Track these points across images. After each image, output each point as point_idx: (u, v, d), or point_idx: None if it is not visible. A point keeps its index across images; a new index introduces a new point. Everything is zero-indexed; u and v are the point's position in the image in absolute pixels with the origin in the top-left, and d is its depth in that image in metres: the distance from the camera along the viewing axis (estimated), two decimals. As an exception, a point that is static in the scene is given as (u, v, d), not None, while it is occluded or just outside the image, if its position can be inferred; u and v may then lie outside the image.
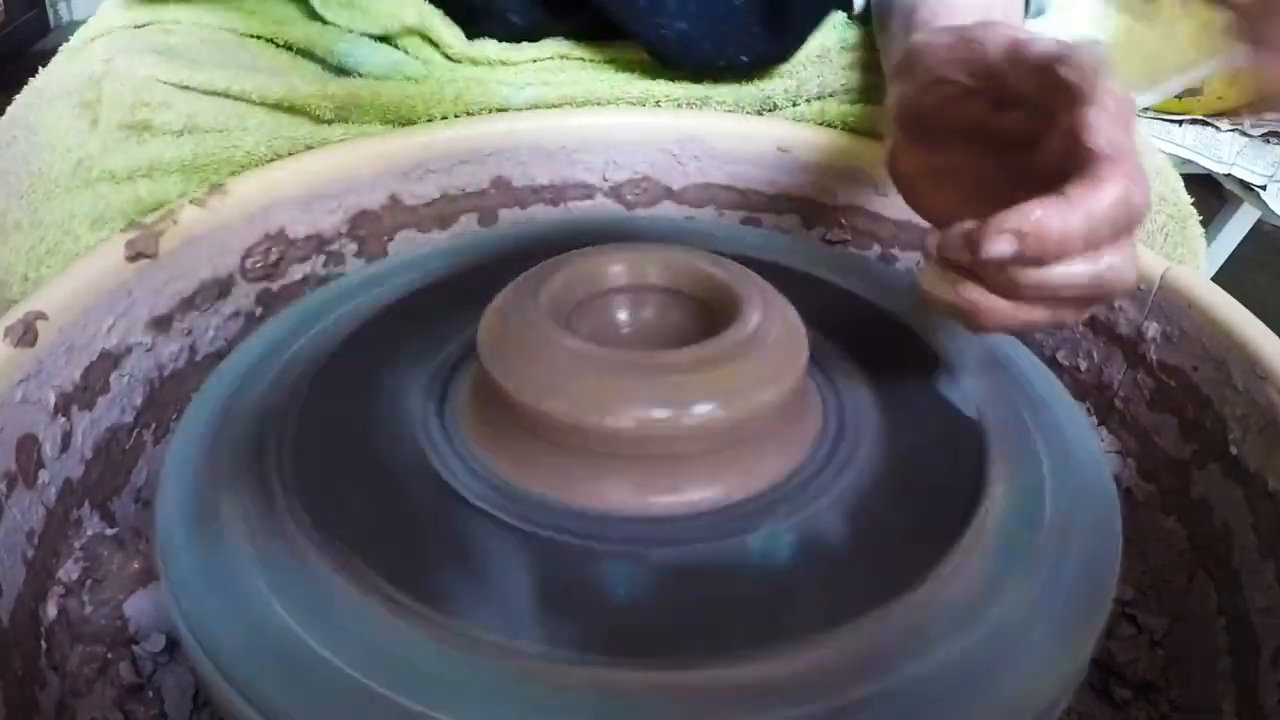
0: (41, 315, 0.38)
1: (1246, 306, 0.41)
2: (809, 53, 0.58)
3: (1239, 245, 1.56)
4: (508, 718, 0.27)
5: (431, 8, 0.56)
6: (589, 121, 0.56)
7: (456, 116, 0.55)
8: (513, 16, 0.57)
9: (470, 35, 0.57)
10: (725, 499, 0.34)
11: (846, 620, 0.30)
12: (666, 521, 0.33)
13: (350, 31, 0.55)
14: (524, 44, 0.57)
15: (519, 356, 0.34)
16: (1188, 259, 0.57)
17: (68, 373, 0.39)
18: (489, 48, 0.57)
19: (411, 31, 0.56)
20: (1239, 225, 1.54)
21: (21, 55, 0.51)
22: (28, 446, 0.36)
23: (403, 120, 0.55)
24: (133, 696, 0.37)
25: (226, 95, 0.50)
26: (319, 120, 0.53)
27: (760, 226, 0.58)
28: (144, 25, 0.53)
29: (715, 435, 0.33)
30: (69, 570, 0.38)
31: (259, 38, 0.55)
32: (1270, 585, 0.36)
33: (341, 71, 0.55)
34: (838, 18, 0.60)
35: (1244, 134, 1.45)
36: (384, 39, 0.56)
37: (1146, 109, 1.45)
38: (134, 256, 0.43)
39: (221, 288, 0.48)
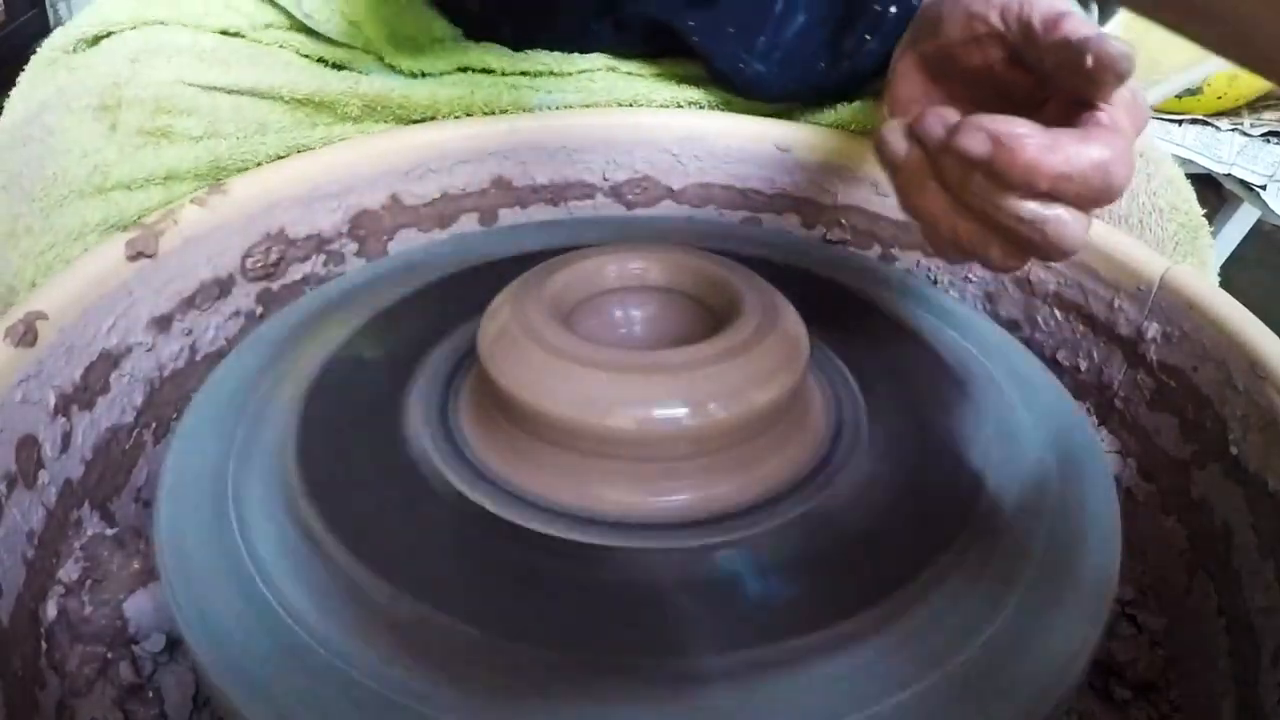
0: (41, 315, 0.38)
1: (1246, 306, 0.41)
2: None
3: (1239, 245, 1.56)
4: (508, 718, 0.27)
5: (484, 46, 0.56)
6: (589, 121, 0.56)
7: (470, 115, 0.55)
8: (568, 28, 0.57)
9: (520, 45, 0.57)
10: (726, 499, 0.34)
11: (847, 619, 0.30)
12: (666, 521, 0.33)
13: (415, 75, 0.54)
14: (575, 55, 0.57)
15: (519, 356, 0.34)
16: (1198, 269, 0.57)
17: (68, 373, 0.39)
18: (541, 58, 0.56)
19: (466, 69, 0.56)
20: (1239, 225, 1.54)
21: (21, 55, 0.51)
22: (28, 447, 0.36)
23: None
24: (133, 696, 0.37)
25: (254, 94, 0.50)
26: (345, 118, 0.53)
27: (760, 226, 0.58)
28: (178, 24, 0.52)
29: (715, 435, 0.33)
30: (69, 570, 0.38)
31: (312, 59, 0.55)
32: (1270, 585, 0.36)
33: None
34: None
35: (1244, 134, 1.45)
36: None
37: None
38: (134, 256, 0.43)
39: (222, 287, 0.48)
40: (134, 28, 0.51)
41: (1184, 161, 1.46)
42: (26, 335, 0.37)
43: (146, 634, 0.38)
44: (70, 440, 0.39)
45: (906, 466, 0.36)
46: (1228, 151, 1.46)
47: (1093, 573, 0.33)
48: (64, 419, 0.39)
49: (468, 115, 0.55)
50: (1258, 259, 1.63)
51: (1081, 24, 0.35)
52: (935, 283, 0.54)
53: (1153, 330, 0.45)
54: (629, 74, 0.58)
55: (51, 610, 0.37)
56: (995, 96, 0.40)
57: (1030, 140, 0.31)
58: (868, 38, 0.53)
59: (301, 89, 0.51)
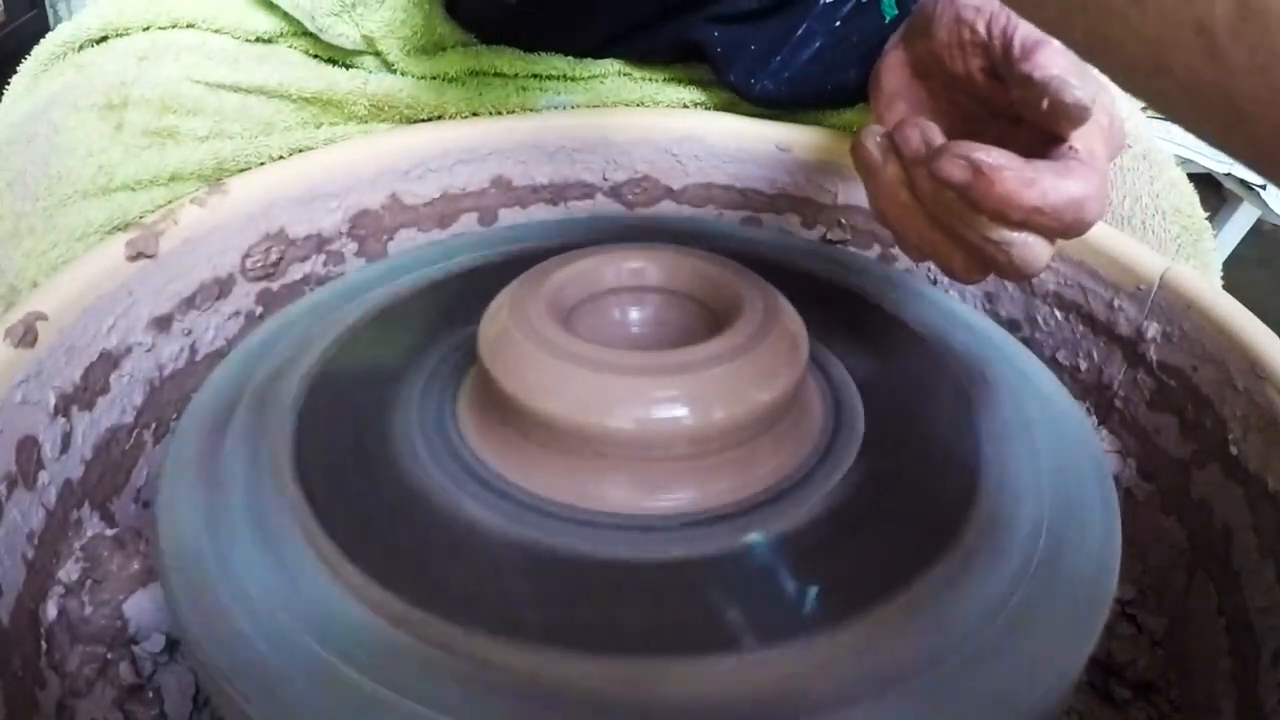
0: (41, 315, 0.38)
1: (1246, 306, 0.41)
2: None
3: (1239, 245, 1.56)
4: (507, 718, 0.27)
5: (495, 50, 0.55)
6: (589, 121, 0.56)
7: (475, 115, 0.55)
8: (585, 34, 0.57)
9: (532, 48, 0.57)
10: (726, 499, 0.34)
11: (846, 619, 0.30)
12: (666, 521, 0.33)
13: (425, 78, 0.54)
14: (587, 60, 0.57)
15: (519, 356, 0.34)
16: (1200, 272, 0.57)
17: (68, 373, 0.39)
18: (554, 62, 0.56)
19: (477, 72, 0.56)
20: (1239, 225, 1.55)
21: (21, 55, 0.50)
22: (28, 447, 0.36)
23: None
24: (133, 696, 0.37)
25: (261, 92, 0.50)
26: (352, 117, 0.53)
27: (760, 226, 0.58)
28: (189, 26, 0.52)
29: (715, 436, 0.33)
30: (69, 570, 0.38)
31: (319, 58, 0.55)
32: (1270, 585, 0.36)
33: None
34: None
35: (1244, 133, 1.44)
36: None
37: (1147, 108, 1.45)
38: (134, 256, 0.43)
39: (222, 287, 0.48)
40: (145, 29, 0.51)
41: (1184, 161, 1.46)
42: (26, 336, 0.37)
43: (146, 634, 0.38)
44: (70, 440, 0.39)
45: (906, 466, 0.36)
46: (1228, 151, 1.45)
47: (1093, 573, 0.33)
48: (64, 419, 0.39)
49: (474, 116, 0.55)
50: (1258, 259, 1.63)
51: (1054, 58, 0.35)
52: (935, 282, 0.54)
53: (1153, 330, 0.45)
54: (640, 78, 0.58)
55: (51, 610, 0.37)
56: (976, 104, 0.41)
57: (1009, 173, 0.32)
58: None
59: (309, 87, 0.51)
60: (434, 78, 0.54)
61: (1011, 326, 0.51)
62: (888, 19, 0.50)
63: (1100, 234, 0.47)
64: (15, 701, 0.32)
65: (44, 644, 0.36)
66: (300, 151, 0.51)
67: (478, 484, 0.34)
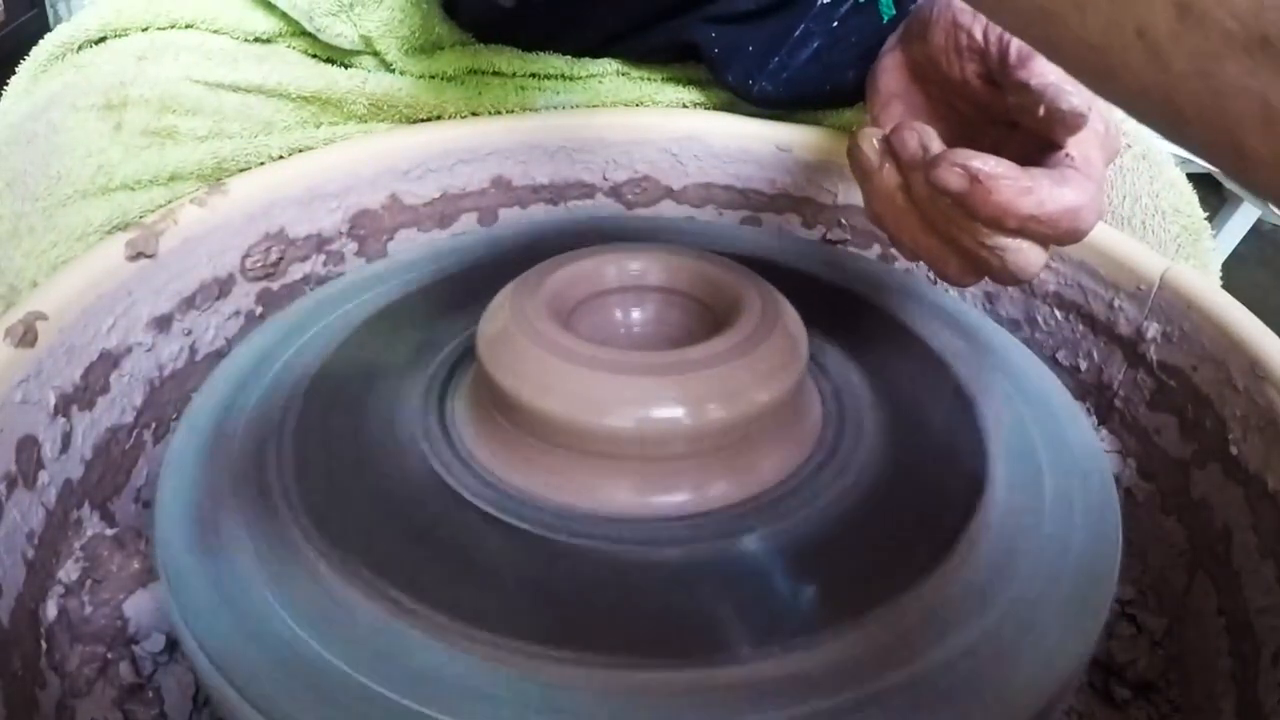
0: (41, 315, 0.38)
1: (1246, 306, 0.41)
2: None
3: (1239, 245, 1.56)
4: (508, 718, 0.27)
5: (494, 49, 0.55)
6: (589, 121, 0.56)
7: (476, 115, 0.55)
8: (586, 34, 0.57)
9: (530, 48, 0.57)
10: (726, 499, 0.34)
11: (846, 620, 0.30)
12: (667, 521, 0.33)
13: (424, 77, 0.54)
14: (586, 59, 0.57)
15: (519, 356, 0.34)
16: (1199, 272, 0.57)
17: (68, 373, 0.39)
18: (552, 62, 0.56)
19: (476, 71, 0.56)
20: (1239, 224, 1.55)
21: (21, 55, 0.50)
22: (28, 447, 0.36)
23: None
24: (133, 696, 0.37)
25: (260, 91, 0.50)
26: (351, 116, 0.53)
27: (760, 226, 0.58)
28: (188, 26, 0.52)
29: (715, 435, 0.33)
30: (69, 570, 0.38)
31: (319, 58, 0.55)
32: (1270, 585, 0.36)
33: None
34: None
35: (1244, 133, 1.44)
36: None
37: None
38: (134, 256, 0.43)
39: (221, 287, 0.47)
40: (144, 29, 0.51)
41: (1184, 161, 1.45)
42: (26, 335, 0.37)
43: (146, 634, 0.38)
44: (70, 440, 0.39)
45: (906, 466, 0.36)
46: (1228, 151, 1.45)
47: (1093, 573, 0.33)
48: (64, 419, 0.39)
49: (474, 116, 0.55)
50: (1258, 259, 1.64)
51: (1050, 65, 0.34)
52: (935, 283, 0.54)
53: (1153, 330, 0.45)
54: (638, 78, 0.58)
55: (51, 610, 0.37)
56: (972, 108, 0.41)
57: (1005, 182, 0.32)
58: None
59: (309, 86, 0.51)
60: (433, 77, 0.54)
61: (1012, 326, 0.51)
62: (885, 19, 0.50)
63: (1100, 234, 0.47)
64: (15, 701, 0.32)
65: (44, 644, 0.35)
66: (300, 151, 0.51)
67: (477, 483, 0.34)
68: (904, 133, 0.35)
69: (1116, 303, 0.46)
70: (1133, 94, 0.18)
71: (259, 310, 0.50)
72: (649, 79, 0.58)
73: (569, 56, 0.57)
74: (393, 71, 0.53)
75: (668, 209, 0.58)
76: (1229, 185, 1.49)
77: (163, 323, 0.45)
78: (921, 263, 0.54)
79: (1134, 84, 0.18)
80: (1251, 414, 0.39)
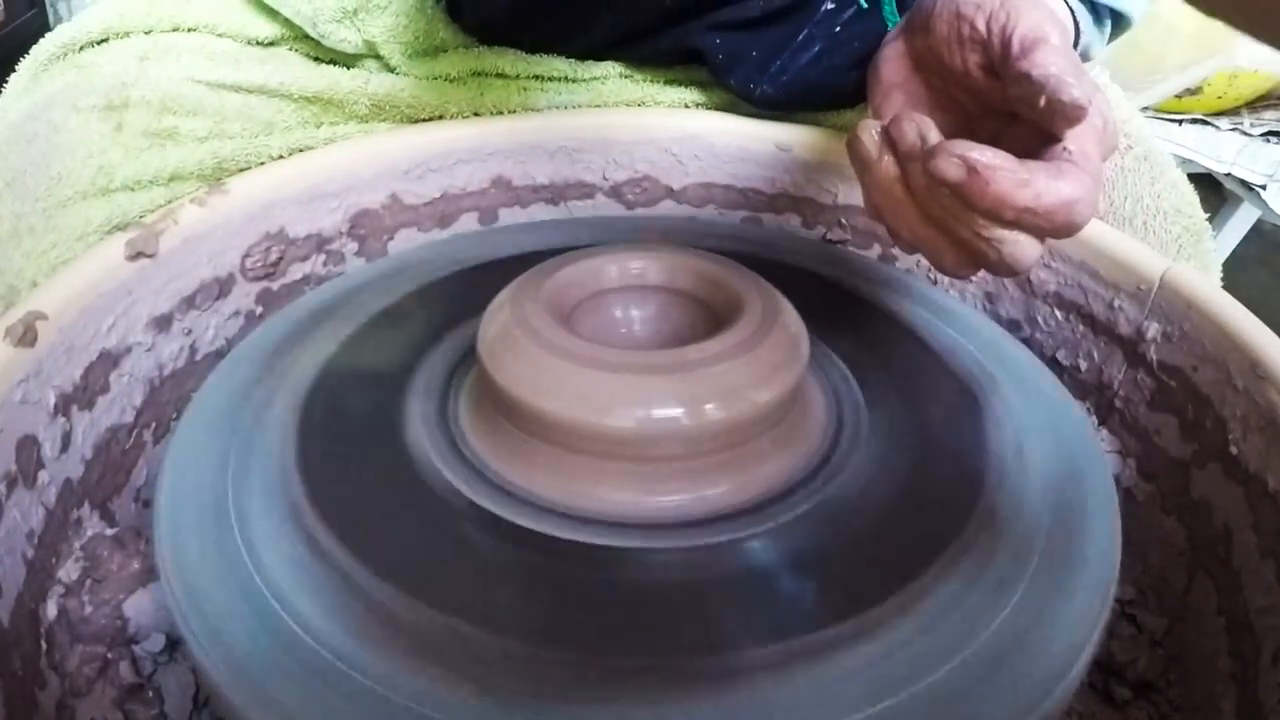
0: (41, 315, 0.38)
1: (1246, 306, 0.41)
2: None
3: (1239, 245, 1.56)
4: (507, 717, 0.27)
5: (497, 51, 0.55)
6: (589, 121, 0.56)
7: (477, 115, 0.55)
8: (589, 37, 0.57)
9: (535, 51, 0.57)
10: (726, 498, 0.34)
11: (847, 619, 0.30)
12: (667, 521, 0.33)
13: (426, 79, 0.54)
14: (588, 61, 0.57)
15: (519, 356, 0.34)
16: (1200, 273, 0.57)
17: (68, 373, 0.39)
18: (556, 64, 0.56)
19: (479, 73, 0.56)
20: (1239, 225, 1.54)
21: (21, 55, 0.50)
22: (28, 447, 0.36)
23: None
24: (133, 696, 0.37)
25: (263, 91, 0.50)
26: (353, 116, 0.53)
27: (760, 226, 0.58)
28: (190, 30, 0.52)
29: (715, 435, 0.33)
30: (69, 570, 0.38)
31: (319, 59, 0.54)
32: (1270, 585, 0.36)
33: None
34: None
35: (1244, 133, 1.45)
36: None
37: (1146, 108, 1.45)
38: (134, 256, 0.43)
39: (222, 287, 0.47)
40: (147, 32, 0.51)
41: (1184, 161, 1.46)
42: (26, 335, 0.37)
43: (146, 634, 0.38)
44: (70, 440, 0.39)
45: (906, 466, 0.36)
46: (1228, 151, 1.45)
47: (1093, 573, 0.33)
48: (64, 419, 0.39)
49: (476, 116, 0.55)
50: (1258, 259, 1.63)
51: (1052, 57, 0.35)
52: (935, 282, 0.54)
53: (1153, 330, 0.45)
54: (640, 79, 0.58)
55: (51, 610, 0.37)
56: (972, 99, 0.41)
57: (1003, 173, 0.32)
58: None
59: (311, 87, 0.51)
60: (436, 78, 0.54)
61: (1012, 326, 0.51)
62: (890, 25, 0.50)
63: (1101, 234, 0.47)
64: (15, 701, 0.32)
65: (44, 644, 0.35)
66: (300, 151, 0.51)
67: (478, 483, 0.34)
68: (903, 123, 0.35)
69: (1117, 303, 0.46)
70: None
71: (259, 310, 0.50)
72: (651, 80, 0.58)
73: (572, 59, 0.57)
74: (395, 73, 0.53)
75: (668, 209, 0.58)
76: (1229, 185, 1.49)
77: (163, 322, 0.45)
78: (920, 259, 0.54)
79: None
80: (1251, 414, 0.39)
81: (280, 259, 0.50)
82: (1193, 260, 0.55)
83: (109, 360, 0.41)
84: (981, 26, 0.38)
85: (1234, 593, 0.38)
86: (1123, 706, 0.40)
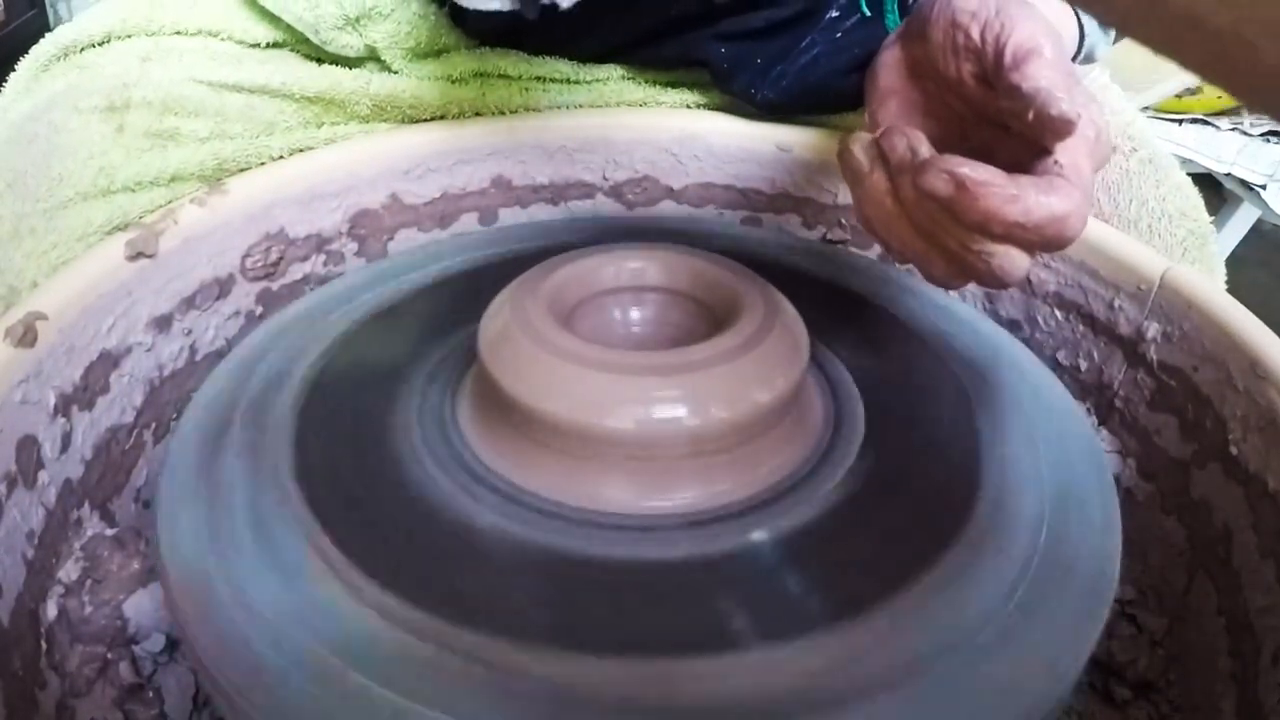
0: (41, 315, 0.38)
1: (1246, 306, 0.41)
2: None
3: (1239, 245, 1.56)
4: (507, 718, 0.27)
5: (500, 53, 0.55)
6: (589, 121, 0.56)
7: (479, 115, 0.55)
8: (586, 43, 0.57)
9: (535, 52, 0.57)
10: (727, 498, 0.34)
11: (847, 619, 0.30)
12: (667, 522, 0.33)
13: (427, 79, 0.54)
14: (591, 65, 0.57)
15: (519, 356, 0.34)
16: (1205, 276, 0.57)
17: (68, 373, 0.39)
18: (558, 66, 0.56)
19: (481, 74, 0.56)
20: (1239, 225, 1.54)
21: (21, 55, 0.50)
22: (28, 447, 0.36)
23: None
24: (133, 696, 0.37)
25: (264, 91, 0.50)
26: (354, 116, 0.53)
27: (760, 226, 0.58)
28: (194, 34, 0.52)
29: (715, 436, 0.33)
30: (69, 570, 0.38)
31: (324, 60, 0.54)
32: (1270, 585, 0.36)
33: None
34: None
35: (1244, 133, 1.45)
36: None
37: (1146, 108, 1.45)
38: (134, 256, 0.43)
39: (222, 287, 0.47)
40: (150, 35, 0.51)
41: (1184, 161, 1.46)
42: (26, 336, 0.37)
43: (146, 634, 0.38)
44: (70, 440, 0.39)
45: (907, 466, 0.36)
46: (1228, 151, 1.46)
47: (1093, 573, 0.33)
48: (64, 419, 0.39)
49: (478, 116, 0.55)
50: (1258, 259, 1.64)
51: (1043, 70, 0.35)
52: (935, 283, 0.54)
53: (1153, 330, 0.45)
54: (643, 81, 0.58)
55: (51, 610, 0.37)
56: (966, 108, 0.41)
57: (992, 189, 0.32)
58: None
59: (312, 87, 0.51)
60: (438, 78, 0.54)
61: (1012, 326, 0.51)
62: (892, 31, 0.51)
63: (1101, 234, 0.47)
64: (15, 701, 0.32)
65: (44, 644, 0.35)
66: (301, 151, 0.51)
67: (478, 484, 0.34)
68: (893, 136, 0.35)
69: (1117, 303, 0.46)
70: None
71: (259, 310, 0.50)
72: (653, 82, 0.58)
73: (574, 62, 0.57)
74: (396, 74, 0.53)
75: (668, 209, 0.58)
76: (1229, 186, 1.49)
77: (163, 323, 0.45)
78: (904, 264, 0.54)
79: None
80: (1251, 414, 0.39)
81: (280, 259, 0.50)
82: (1198, 264, 0.55)
83: (109, 360, 0.41)
84: (976, 36, 0.38)
85: (1234, 593, 0.38)
86: (1123, 706, 0.40)
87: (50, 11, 1.82)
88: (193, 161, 0.48)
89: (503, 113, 0.55)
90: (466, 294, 0.42)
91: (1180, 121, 1.48)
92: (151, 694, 0.37)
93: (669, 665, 0.28)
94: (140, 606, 0.38)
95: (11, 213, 0.45)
